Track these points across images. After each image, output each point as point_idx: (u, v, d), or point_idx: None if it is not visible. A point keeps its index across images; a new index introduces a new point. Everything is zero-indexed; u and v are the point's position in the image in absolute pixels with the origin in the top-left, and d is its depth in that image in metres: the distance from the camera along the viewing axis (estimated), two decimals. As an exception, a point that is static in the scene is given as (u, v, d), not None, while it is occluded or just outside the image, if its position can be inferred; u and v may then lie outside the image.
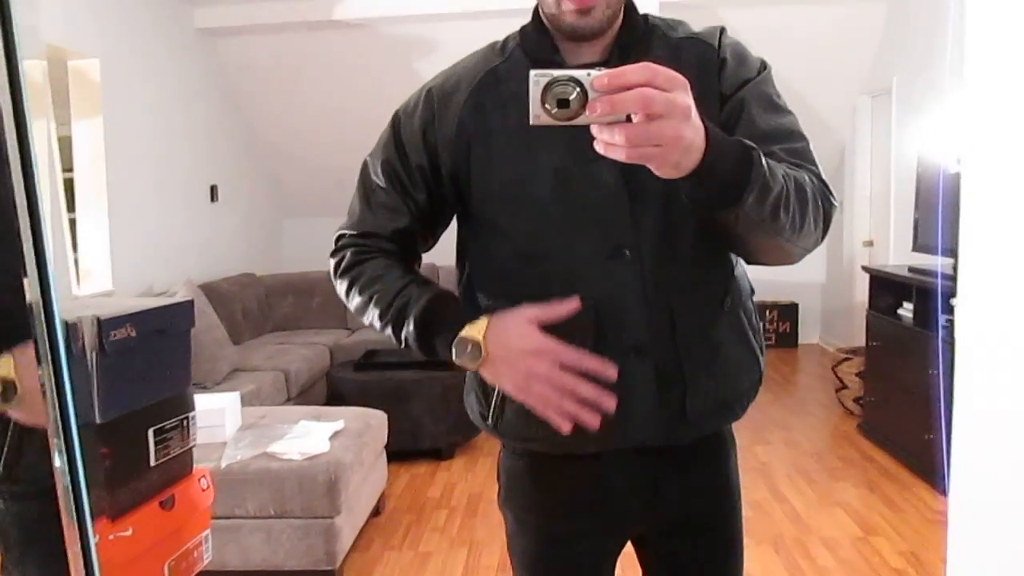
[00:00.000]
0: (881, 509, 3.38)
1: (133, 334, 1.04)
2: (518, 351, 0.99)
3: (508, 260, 1.11)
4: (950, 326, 3.41)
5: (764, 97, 1.09)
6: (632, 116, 0.78)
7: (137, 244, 4.40)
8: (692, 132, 0.80)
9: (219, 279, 5.04)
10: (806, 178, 1.01)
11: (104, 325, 1.00)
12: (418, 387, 3.99)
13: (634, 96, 0.76)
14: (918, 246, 4.16)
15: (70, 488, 0.83)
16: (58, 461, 0.87)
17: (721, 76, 1.09)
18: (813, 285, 6.77)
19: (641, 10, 1.15)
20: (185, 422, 1.17)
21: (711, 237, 1.05)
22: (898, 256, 5.04)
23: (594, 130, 0.79)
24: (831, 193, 1.05)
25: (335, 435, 2.93)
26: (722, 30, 1.13)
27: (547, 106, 0.78)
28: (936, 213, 3.69)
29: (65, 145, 5.00)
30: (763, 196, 0.89)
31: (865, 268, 4.59)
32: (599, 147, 0.80)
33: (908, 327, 3.89)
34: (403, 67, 5.46)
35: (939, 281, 3.44)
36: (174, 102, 4.96)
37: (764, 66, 1.13)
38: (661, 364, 1.08)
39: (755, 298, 1.24)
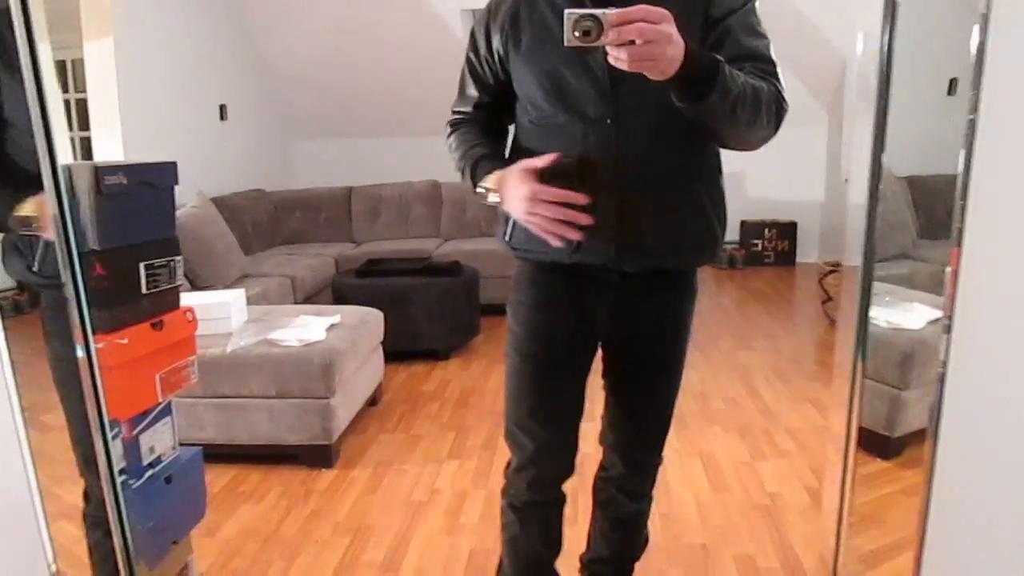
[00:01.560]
0: (849, 405, 3.60)
1: (124, 181, 1.25)
2: (518, 195, 1.40)
3: (531, 122, 1.52)
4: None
5: (747, 25, 1.42)
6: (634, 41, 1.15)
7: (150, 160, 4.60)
8: (673, 50, 1.17)
9: (230, 193, 5.26)
10: (764, 87, 1.35)
11: (100, 171, 1.22)
12: (416, 292, 4.22)
13: (634, 28, 1.14)
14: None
15: (73, 290, 1.07)
16: (66, 277, 1.10)
17: (711, 4, 1.41)
18: (812, 204, 6.87)
19: None
20: (171, 263, 1.38)
21: (674, 122, 1.38)
22: (890, 172, 5.15)
23: (608, 49, 1.17)
24: (784, 100, 1.40)
25: (332, 327, 3.17)
26: None
27: (576, 34, 1.15)
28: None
29: (79, 67, 5.16)
30: (724, 95, 1.25)
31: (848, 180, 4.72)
32: (611, 60, 1.18)
33: (887, 236, 4.04)
34: (406, -11, 5.56)
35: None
36: (183, 23, 5.10)
37: None
38: (623, 205, 1.44)
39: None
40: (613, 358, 1.68)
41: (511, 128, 1.65)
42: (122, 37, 4.40)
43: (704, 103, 1.25)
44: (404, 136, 6.54)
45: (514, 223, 1.55)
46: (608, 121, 1.42)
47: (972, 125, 1.32)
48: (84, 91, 4.69)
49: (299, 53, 6.11)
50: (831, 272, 4.97)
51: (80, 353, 1.10)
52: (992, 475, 1.29)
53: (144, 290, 1.32)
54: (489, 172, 1.49)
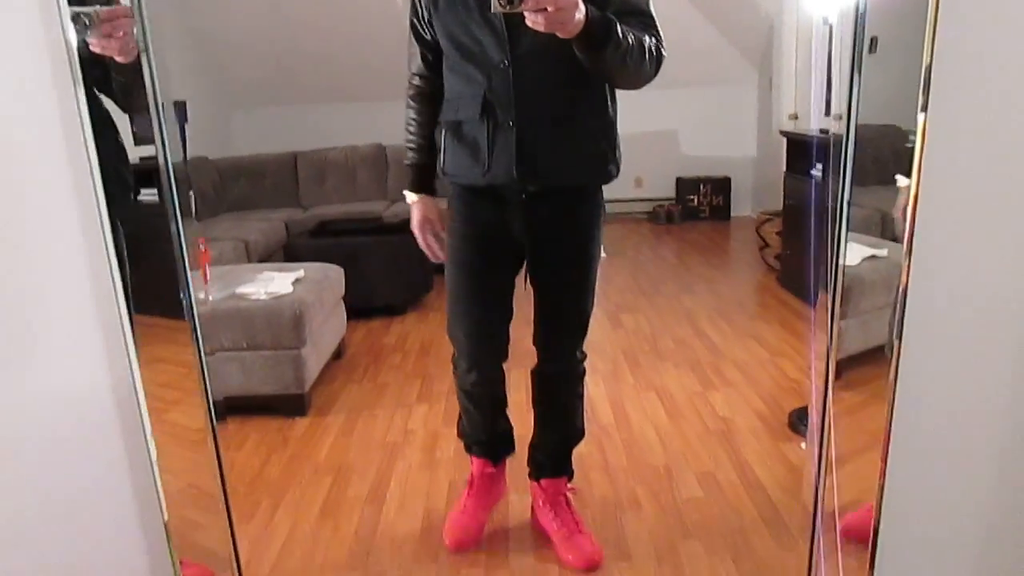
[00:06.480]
0: (791, 340, 3.81)
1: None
2: (414, 220, 2.11)
3: (450, 69, 1.90)
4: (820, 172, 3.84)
5: None
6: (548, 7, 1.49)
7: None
8: (579, 13, 1.54)
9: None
10: (646, 39, 1.72)
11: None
12: (370, 250, 4.29)
13: None
14: (830, 112, 4.51)
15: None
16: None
17: None
18: (745, 159, 7.11)
19: None
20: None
21: (564, 66, 1.70)
22: (818, 125, 5.38)
23: (527, 14, 1.49)
24: (663, 48, 1.76)
25: (297, 281, 3.23)
26: None
27: (502, 2, 1.46)
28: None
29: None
30: (616, 48, 1.64)
31: (783, 132, 4.94)
32: (529, 22, 1.50)
33: (818, 185, 4.26)
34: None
35: (815, 136, 3.86)
36: None
37: None
38: (522, 135, 1.81)
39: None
40: (532, 262, 1.98)
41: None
42: None
43: (600, 53, 1.63)
44: (347, 101, 6.52)
45: (445, 151, 1.93)
46: (505, 64, 1.77)
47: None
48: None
49: (236, 20, 6.03)
50: (767, 221, 5.19)
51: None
52: (951, 378, 1.44)
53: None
54: (417, 183, 2.08)
